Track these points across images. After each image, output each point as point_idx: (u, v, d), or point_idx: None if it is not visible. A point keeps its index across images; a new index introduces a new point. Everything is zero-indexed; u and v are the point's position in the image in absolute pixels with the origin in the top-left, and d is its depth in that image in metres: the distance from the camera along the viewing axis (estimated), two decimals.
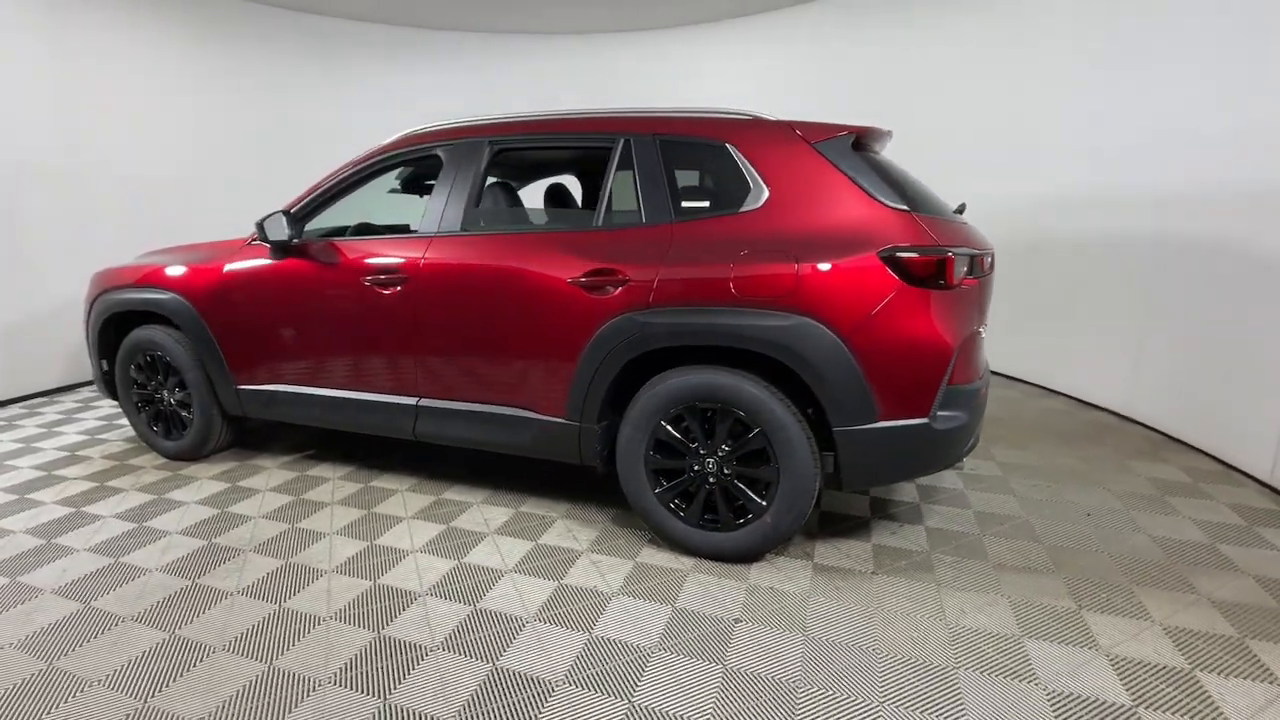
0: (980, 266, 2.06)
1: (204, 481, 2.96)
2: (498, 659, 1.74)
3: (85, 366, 4.82)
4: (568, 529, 2.48)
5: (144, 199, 5.01)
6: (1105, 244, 3.75)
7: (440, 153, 2.60)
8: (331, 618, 1.93)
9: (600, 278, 2.18)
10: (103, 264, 3.38)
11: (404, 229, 3.16)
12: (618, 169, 2.30)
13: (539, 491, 2.81)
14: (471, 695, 1.61)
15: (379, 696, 1.61)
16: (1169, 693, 1.60)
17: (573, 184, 3.37)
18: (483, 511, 2.63)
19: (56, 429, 3.77)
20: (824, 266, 1.92)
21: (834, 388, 1.93)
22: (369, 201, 3.06)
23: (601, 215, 2.30)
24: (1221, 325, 3.04)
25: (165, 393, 3.14)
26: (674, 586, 2.08)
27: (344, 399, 2.74)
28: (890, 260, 1.90)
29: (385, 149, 2.71)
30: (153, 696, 1.61)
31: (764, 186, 2.08)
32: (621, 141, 2.31)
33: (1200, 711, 1.54)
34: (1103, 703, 1.57)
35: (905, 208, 1.99)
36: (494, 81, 6.62)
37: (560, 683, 1.65)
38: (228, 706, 1.58)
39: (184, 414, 3.12)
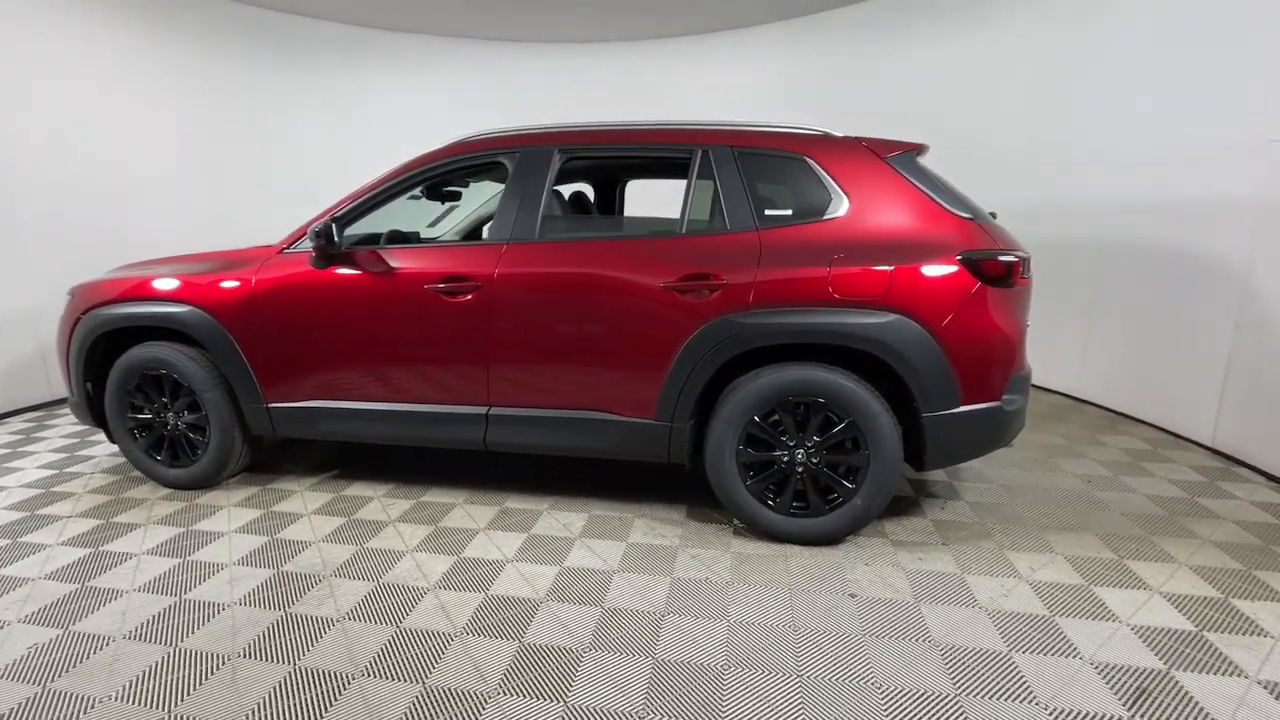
0: (1028, 267, 2.37)
1: (230, 509, 2.73)
2: (654, 652, 1.79)
3: (20, 390, 4.24)
4: (650, 527, 2.54)
5: (69, 208, 4.46)
6: (1056, 247, 4.31)
7: (505, 160, 2.58)
8: (462, 632, 1.89)
9: (695, 282, 2.27)
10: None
11: (472, 235, 3.03)
12: (697, 179, 2.41)
13: (597, 494, 2.84)
14: (647, 688, 1.65)
15: (558, 700, 1.62)
16: (1217, 618, 1.93)
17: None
18: (556, 517, 2.63)
19: (8, 464, 3.29)
20: (914, 269, 2.14)
21: (924, 377, 2.15)
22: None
23: (685, 223, 2.40)
24: (1159, 317, 3.61)
25: (170, 416, 2.85)
26: (781, 571, 2.21)
27: (405, 412, 2.63)
28: (968, 263, 2.15)
29: (439, 155, 2.65)
30: None
31: (845, 196, 2.28)
32: (699, 153, 2.42)
33: (1244, 628, 1.87)
34: (1174, 631, 1.87)
35: (970, 216, 2.25)
36: (483, 88, 6.51)
37: (725, 666, 1.73)
38: None
39: (194, 438, 2.85)
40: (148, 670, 1.73)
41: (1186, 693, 1.62)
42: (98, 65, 4.64)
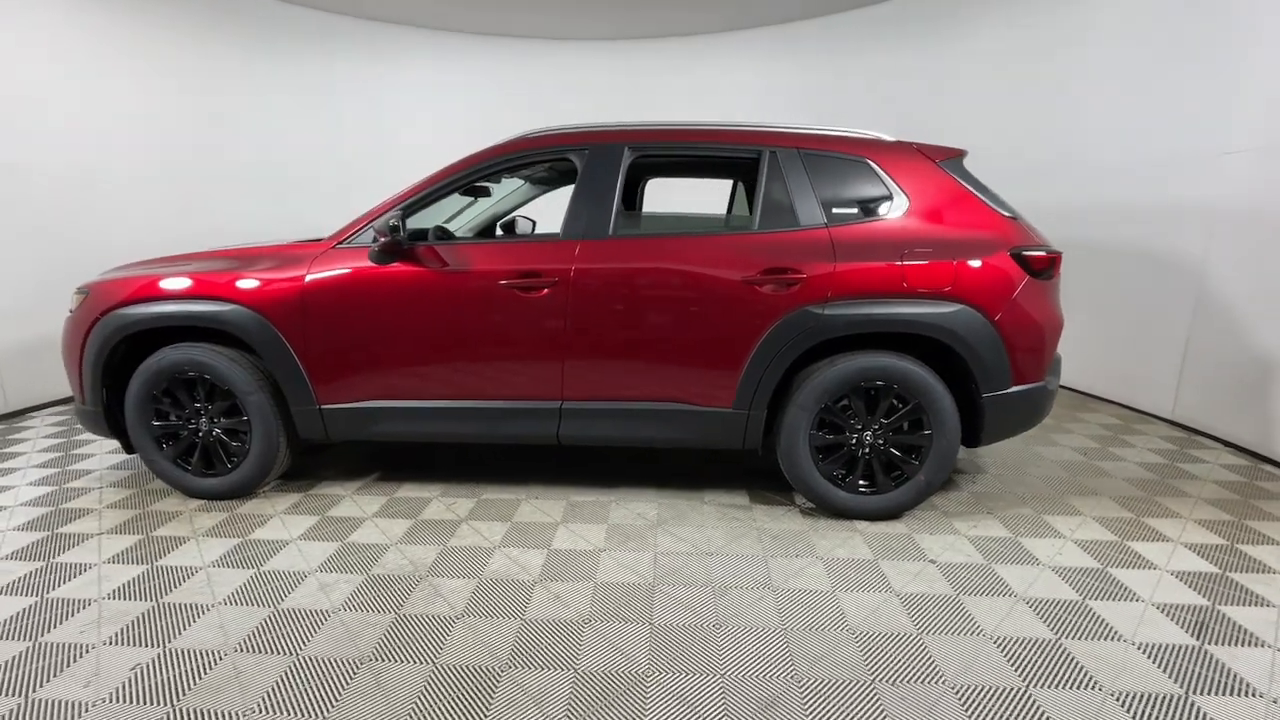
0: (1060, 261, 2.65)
1: (282, 518, 2.60)
2: (845, 624, 1.90)
3: None
4: (722, 512, 2.65)
5: (17, 200, 4.04)
6: None
7: (573, 156, 2.61)
8: (591, 619, 1.93)
9: (775, 275, 2.40)
10: None
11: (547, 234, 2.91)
12: (761, 178, 2.53)
13: (651, 484, 2.91)
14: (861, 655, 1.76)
15: (715, 676, 1.69)
16: (1233, 561, 2.27)
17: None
18: (628, 508, 2.68)
19: None
20: (974, 263, 2.36)
21: (984, 361, 2.37)
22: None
23: (758, 219, 2.52)
24: (1125, 308, 4.09)
25: (203, 422, 2.68)
26: (860, 544, 2.38)
27: (472, 409, 2.60)
28: (1017, 257, 2.39)
29: (505, 149, 2.63)
30: None
31: (905, 196, 2.47)
32: (767, 153, 2.55)
33: (1257, 568, 2.21)
34: (1204, 574, 2.18)
35: (1012, 214, 2.50)
36: (475, 84, 6.36)
37: (918, 632, 1.87)
38: None
39: (232, 444, 2.69)
40: (281, 680, 1.66)
41: (1234, 622, 1.91)
42: (54, 48, 4.21)
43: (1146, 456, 3.29)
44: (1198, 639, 1.83)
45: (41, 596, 2.04)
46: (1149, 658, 1.75)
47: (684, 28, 6.25)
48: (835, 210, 2.50)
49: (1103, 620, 1.92)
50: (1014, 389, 2.43)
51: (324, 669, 1.70)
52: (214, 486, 2.72)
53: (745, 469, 3.10)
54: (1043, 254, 2.42)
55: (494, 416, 2.62)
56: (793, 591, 2.08)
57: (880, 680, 1.67)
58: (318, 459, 3.26)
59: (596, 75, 6.46)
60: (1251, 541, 2.41)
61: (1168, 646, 1.80)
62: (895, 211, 2.47)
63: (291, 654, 1.77)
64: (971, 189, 2.50)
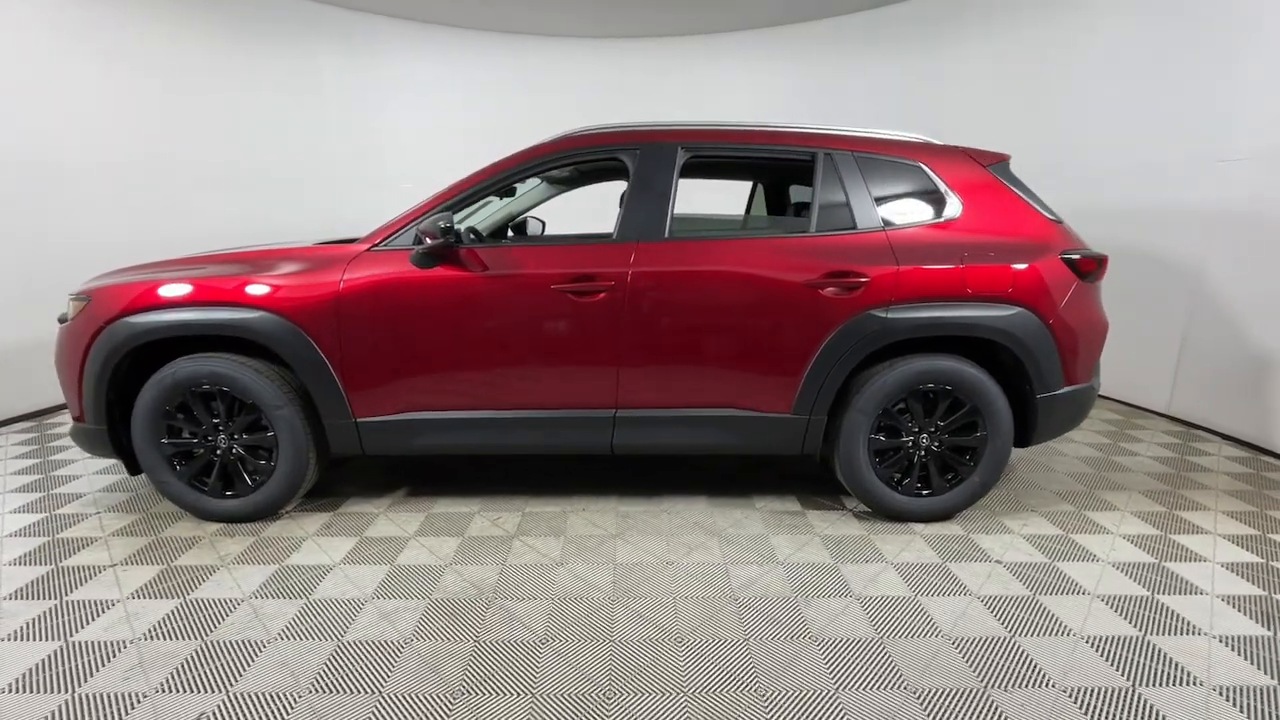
0: None
1: (314, 540, 2.41)
2: (942, 631, 1.88)
3: None
4: (778, 520, 2.61)
5: None
6: None
7: (624, 156, 2.52)
8: (687, 637, 1.85)
9: (838, 279, 2.38)
10: None
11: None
12: (817, 180, 2.51)
13: (696, 492, 2.86)
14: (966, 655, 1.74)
15: (826, 693, 1.65)
16: (1271, 549, 2.37)
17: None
18: (682, 516, 2.61)
19: None
20: (1029, 267, 2.40)
21: (1040, 363, 2.41)
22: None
23: (815, 222, 2.49)
24: (1124, 308, 4.25)
25: (222, 439, 2.47)
26: (922, 547, 2.38)
27: (521, 419, 2.48)
28: (1068, 261, 2.44)
29: (551, 148, 2.52)
30: None
31: (959, 201, 2.49)
32: (822, 155, 2.53)
33: None
34: (1248, 564, 2.28)
35: (1057, 219, 2.56)
36: (466, 80, 6.13)
37: (1011, 634, 1.86)
38: None
39: (253, 463, 2.49)
40: None
41: None
42: (21, 35, 3.84)
43: (1156, 451, 3.44)
44: (1269, 629, 1.90)
45: (64, 640, 1.82)
46: (1231, 649, 1.81)
47: (671, 28, 6.21)
48: (891, 213, 2.50)
49: (1177, 614, 1.97)
50: (1065, 390, 2.48)
51: (414, 707, 1.58)
52: (235, 508, 2.51)
53: (781, 473, 3.08)
54: (1091, 258, 2.48)
55: (545, 426, 2.51)
56: (875, 599, 2.05)
57: (992, 687, 1.66)
58: (333, 474, 3.06)
59: (582, 73, 6.35)
60: (1270, 527, 2.54)
61: (1245, 637, 1.86)
62: (949, 215, 2.48)
63: (373, 692, 1.63)
64: (1020, 193, 2.54)
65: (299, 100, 5.47)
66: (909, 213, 2.51)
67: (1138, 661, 1.76)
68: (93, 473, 3.07)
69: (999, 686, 1.66)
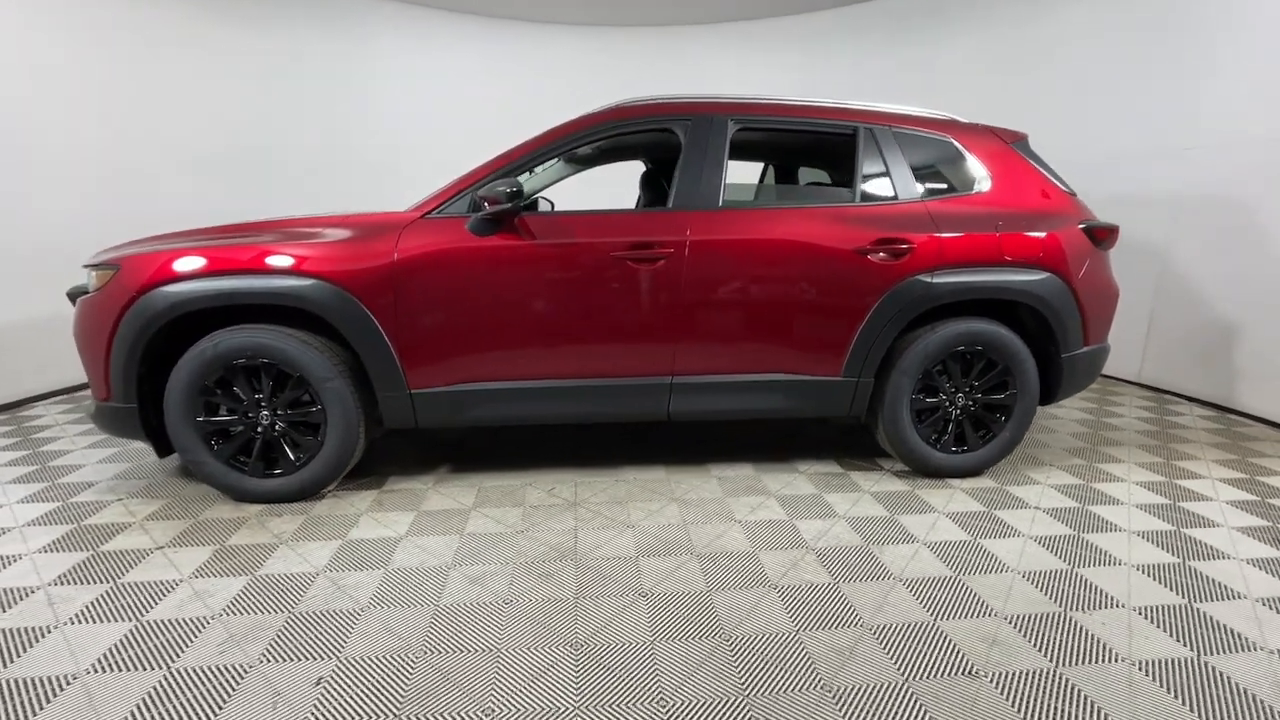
0: None
1: (370, 516, 2.34)
2: (1012, 567, 1.99)
3: None
4: (824, 480, 2.71)
5: None
6: None
7: (675, 127, 2.55)
8: (833, 583, 1.91)
9: (886, 246, 2.49)
10: None
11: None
12: (859, 153, 2.62)
13: (743, 458, 2.93)
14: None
15: (940, 621, 1.74)
16: (1261, 488, 2.64)
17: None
18: (736, 480, 2.68)
19: None
20: (1055, 235, 2.58)
21: (1065, 324, 2.60)
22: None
23: (859, 192, 2.60)
24: None
25: (265, 415, 2.35)
26: (965, 499, 2.53)
27: (578, 387, 2.48)
28: (1087, 230, 2.64)
29: (600, 118, 2.53)
30: None
31: (988, 174, 2.65)
32: (863, 130, 2.64)
33: None
34: (1248, 500, 2.53)
35: (1072, 191, 2.76)
36: (454, 65, 5.99)
37: (1070, 567, 1.99)
38: None
39: (296, 439, 2.39)
40: (495, 678, 1.51)
41: None
42: None
43: (1139, 414, 3.75)
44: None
45: (136, 620, 1.71)
46: (1261, 570, 2.02)
47: (667, 18, 6.27)
48: (927, 185, 2.63)
49: (1201, 541, 2.19)
50: (1085, 349, 2.69)
51: (529, 660, 1.57)
52: (278, 487, 2.40)
53: (811, 439, 3.19)
54: (1105, 227, 2.70)
55: (602, 395, 2.51)
56: (939, 543, 2.17)
57: (1072, 609, 1.79)
58: (367, 455, 2.97)
59: (574, 60, 6.33)
60: (1265, 473, 2.83)
61: (1266, 559, 2.08)
62: (980, 187, 2.64)
63: (489, 650, 1.61)
64: (1039, 168, 2.73)
65: (277, 81, 5.22)
66: (944, 184, 2.65)
67: (1185, 582, 1.94)
68: (97, 461, 2.86)
69: (1078, 609, 1.80)
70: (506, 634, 1.67)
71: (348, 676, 1.51)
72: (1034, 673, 1.54)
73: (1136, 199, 4.26)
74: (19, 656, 1.56)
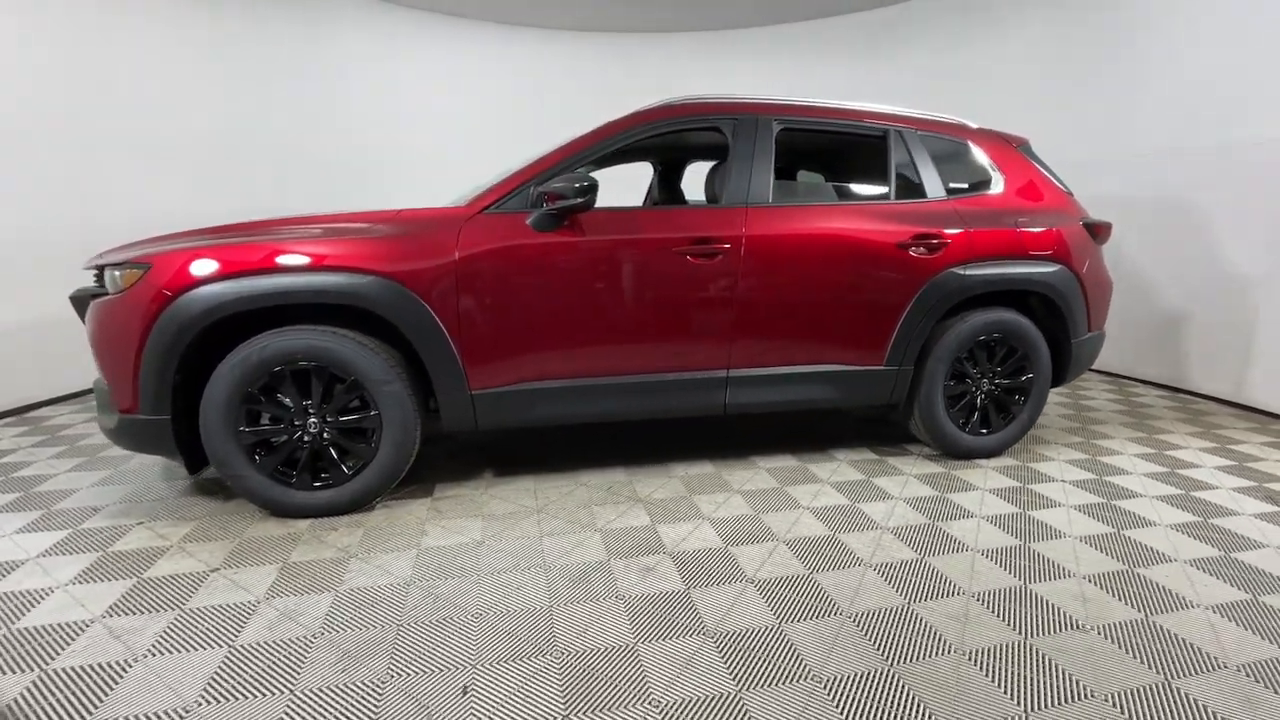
0: None
1: (432, 524, 2.23)
2: (1070, 531, 2.14)
3: None
4: (865, 467, 2.82)
5: None
6: None
7: (723, 126, 2.61)
8: (867, 560, 1.98)
9: (924, 240, 2.64)
10: None
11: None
12: (891, 154, 2.77)
13: (776, 449, 3.01)
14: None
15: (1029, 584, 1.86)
16: (1245, 455, 2.99)
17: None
18: (794, 469, 2.74)
19: None
20: (1063, 230, 2.82)
21: (1074, 312, 2.85)
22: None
23: (894, 190, 2.74)
24: None
25: (313, 422, 2.20)
26: (998, 476, 2.71)
27: (639, 384, 2.47)
28: (1088, 225, 2.91)
29: (649, 116, 2.54)
30: None
31: (1001, 174, 2.87)
32: (894, 132, 2.79)
33: (1266, 458, 2.95)
34: (1231, 464, 2.85)
35: (1069, 191, 3.03)
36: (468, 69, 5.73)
37: (1115, 529, 2.16)
38: None
39: (348, 447, 2.25)
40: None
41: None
42: None
43: (1107, 396, 4.13)
44: (1276, 506, 2.43)
45: (229, 645, 1.56)
46: (1258, 518, 2.29)
47: (673, 25, 6.32)
48: (951, 184, 2.82)
49: (1210, 502, 2.45)
50: (1088, 335, 2.95)
51: (671, 649, 1.56)
52: (329, 500, 2.25)
53: (833, 430, 3.31)
54: (1102, 224, 2.98)
55: (661, 391, 2.52)
56: (995, 516, 2.32)
57: (1139, 566, 1.97)
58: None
59: (573, 67, 6.30)
60: (1232, 443, 3.20)
61: (1264, 513, 2.36)
62: (996, 187, 2.86)
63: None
64: (1043, 169, 2.98)
65: (236, 70, 4.89)
66: (965, 184, 2.85)
67: (1212, 536, 2.18)
68: (91, 484, 2.56)
69: (1142, 565, 1.98)
70: (638, 626, 1.65)
71: (491, 682, 1.44)
72: (1129, 623, 1.69)
73: (1089, 203, 4.67)
74: (107, 694, 1.40)
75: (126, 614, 1.69)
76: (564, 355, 2.40)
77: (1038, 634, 1.64)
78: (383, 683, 1.44)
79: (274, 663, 1.50)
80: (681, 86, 6.38)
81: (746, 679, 1.46)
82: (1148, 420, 3.58)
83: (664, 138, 2.66)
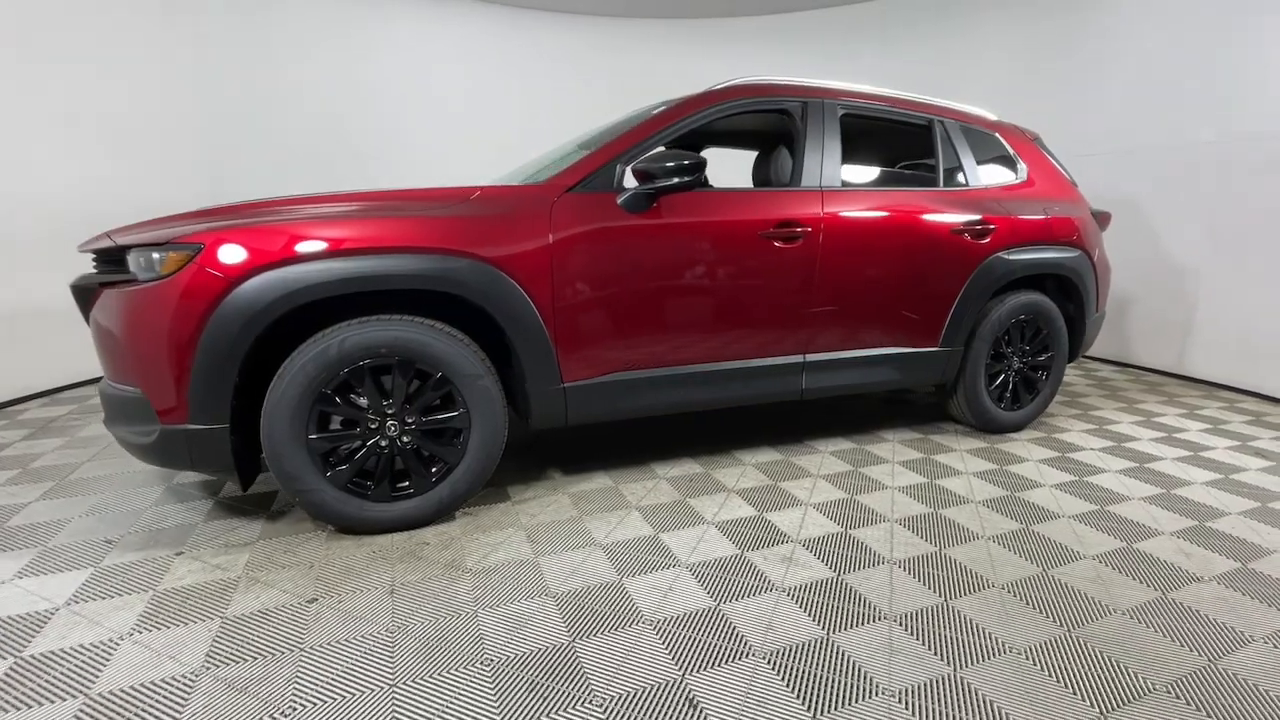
0: None
1: (547, 527, 2.05)
2: (1103, 503, 2.29)
3: None
4: (917, 445, 2.92)
5: None
6: None
7: (791, 109, 2.58)
8: (976, 534, 2.05)
9: (975, 226, 2.76)
10: None
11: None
12: (937, 144, 2.87)
13: (831, 433, 3.06)
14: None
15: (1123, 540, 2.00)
16: (1203, 417, 3.39)
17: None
18: (853, 451, 2.78)
19: None
20: (1079, 218, 3.05)
21: (1088, 294, 3.09)
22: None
23: (941, 178, 2.84)
24: None
25: (392, 426, 1.95)
26: (1038, 448, 2.90)
27: (728, 371, 2.40)
28: (1095, 214, 3.17)
29: (721, 97, 2.45)
30: None
31: (1025, 166, 3.06)
32: (937, 123, 2.89)
33: (1248, 416, 3.36)
34: (1207, 426, 3.23)
35: (1075, 183, 3.29)
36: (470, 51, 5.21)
37: (1148, 496, 2.35)
38: None
39: (430, 450, 2.01)
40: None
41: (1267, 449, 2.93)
42: None
43: (1075, 375, 4.56)
44: (1271, 462, 2.78)
45: (390, 685, 1.34)
46: (1262, 470, 2.61)
47: (671, 10, 6.15)
48: (987, 174, 2.97)
49: (1216, 460, 2.76)
50: (1097, 315, 3.23)
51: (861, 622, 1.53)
52: (411, 511, 2.00)
53: (864, 411, 3.41)
54: (1106, 213, 3.26)
55: (744, 377, 2.46)
56: (1060, 485, 2.48)
57: (1207, 520, 2.18)
58: None
59: (561, 50, 5.99)
60: (1197, 408, 3.62)
61: (1263, 467, 2.70)
62: (1020, 178, 3.04)
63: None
64: (1055, 162, 3.22)
65: (182, 38, 4.25)
66: (998, 174, 3.01)
67: (1234, 489, 2.45)
68: (82, 514, 2.12)
69: (1206, 519, 2.19)
70: (816, 616, 1.59)
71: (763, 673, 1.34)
72: (1231, 574, 1.86)
73: None
74: None
75: (230, 662, 1.41)
76: (655, 343, 2.28)
77: (1174, 588, 1.76)
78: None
79: (454, 700, 1.30)
80: (663, 72, 6.32)
81: (948, 656, 1.45)
82: (1119, 393, 3.99)
83: (730, 120, 2.59)
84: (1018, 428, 3.12)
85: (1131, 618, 1.63)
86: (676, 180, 2.13)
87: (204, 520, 2.09)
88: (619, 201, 2.18)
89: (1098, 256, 3.14)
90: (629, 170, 2.20)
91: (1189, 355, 4.35)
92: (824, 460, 2.71)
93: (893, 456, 2.76)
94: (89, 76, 3.72)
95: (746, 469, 2.59)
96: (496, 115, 5.84)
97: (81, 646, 1.45)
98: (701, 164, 2.14)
